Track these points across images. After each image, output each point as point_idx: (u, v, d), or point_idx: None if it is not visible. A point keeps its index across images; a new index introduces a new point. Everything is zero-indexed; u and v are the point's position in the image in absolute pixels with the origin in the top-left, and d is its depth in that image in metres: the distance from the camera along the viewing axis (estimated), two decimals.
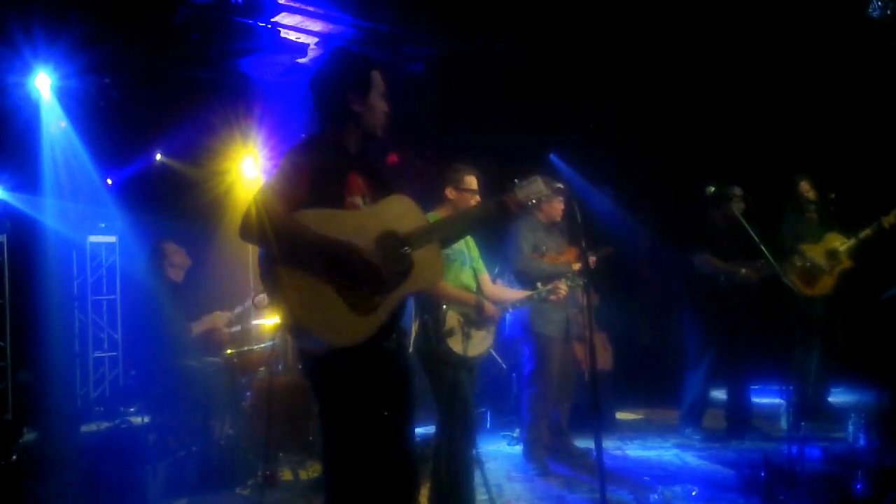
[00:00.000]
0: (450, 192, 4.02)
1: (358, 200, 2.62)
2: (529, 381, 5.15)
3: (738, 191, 5.34)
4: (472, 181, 4.04)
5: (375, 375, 2.57)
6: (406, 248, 2.60)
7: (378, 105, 2.72)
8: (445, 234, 2.91)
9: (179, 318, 5.39)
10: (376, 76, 2.73)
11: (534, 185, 2.96)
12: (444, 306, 3.89)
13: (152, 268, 5.56)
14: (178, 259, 5.56)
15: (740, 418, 5.67)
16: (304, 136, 2.76)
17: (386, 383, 2.61)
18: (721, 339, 5.57)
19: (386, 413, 2.58)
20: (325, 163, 2.58)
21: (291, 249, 2.41)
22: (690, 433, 5.70)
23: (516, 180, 2.98)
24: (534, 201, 2.97)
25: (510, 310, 4.43)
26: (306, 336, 2.49)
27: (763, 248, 4.59)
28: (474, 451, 4.04)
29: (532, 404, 5.13)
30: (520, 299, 4.48)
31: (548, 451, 5.16)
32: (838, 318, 5.86)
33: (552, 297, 4.51)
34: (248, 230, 2.41)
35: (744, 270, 5.42)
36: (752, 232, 4.60)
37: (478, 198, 4.01)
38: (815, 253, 5.72)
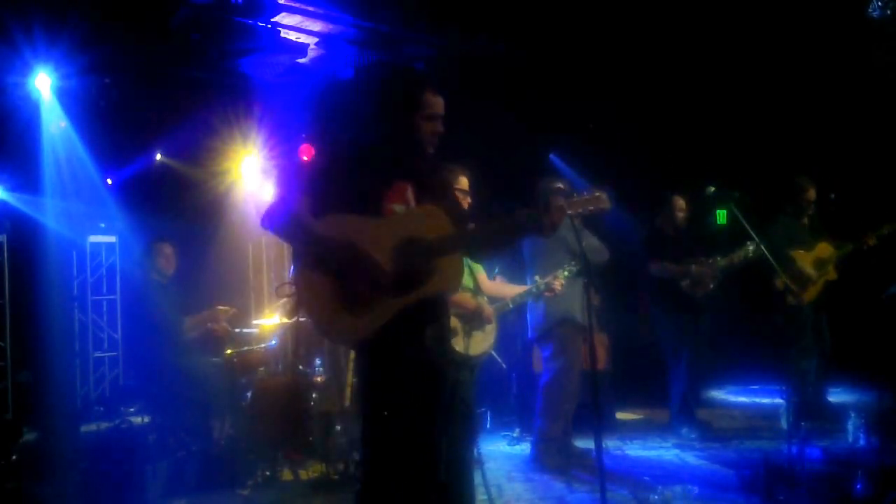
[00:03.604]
0: None
1: (398, 208, 2.70)
2: (557, 380, 5.09)
3: (683, 202, 5.81)
4: (463, 182, 3.98)
5: (393, 378, 2.63)
6: (425, 254, 2.63)
7: (423, 126, 2.75)
8: (469, 244, 2.90)
9: (172, 315, 5.39)
10: (428, 98, 2.75)
11: (598, 200, 2.73)
12: None
13: (141, 265, 5.63)
14: (162, 262, 5.56)
15: (687, 410, 5.76)
16: (354, 138, 2.88)
17: (408, 387, 2.64)
18: (691, 339, 5.72)
19: (410, 416, 2.62)
20: (367, 168, 2.71)
21: (303, 247, 2.65)
22: (687, 433, 5.71)
23: (576, 193, 2.81)
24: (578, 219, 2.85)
25: (511, 305, 4.43)
26: (317, 330, 2.64)
27: (755, 236, 4.96)
28: (475, 452, 4.04)
29: (556, 403, 5.09)
30: (520, 294, 4.48)
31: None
32: (823, 318, 5.88)
33: (547, 293, 4.52)
34: (269, 220, 2.66)
35: (694, 267, 5.62)
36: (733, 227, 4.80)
37: (469, 199, 3.98)
38: (805, 260, 5.74)
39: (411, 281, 2.60)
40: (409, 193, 2.75)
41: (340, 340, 2.64)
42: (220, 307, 5.69)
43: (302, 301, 2.63)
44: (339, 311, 2.58)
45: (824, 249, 5.79)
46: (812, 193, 5.90)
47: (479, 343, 3.99)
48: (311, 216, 2.62)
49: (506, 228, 2.81)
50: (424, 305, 2.67)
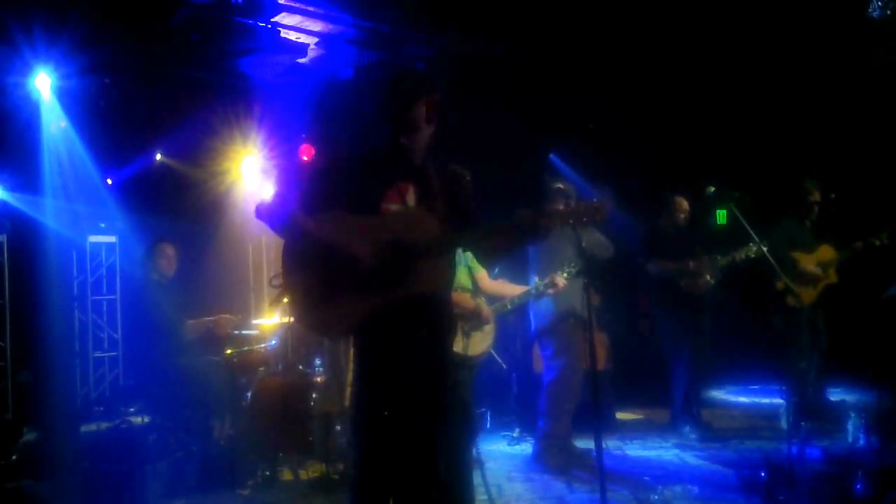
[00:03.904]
0: None
1: (394, 208, 2.72)
2: (562, 378, 5.07)
3: (684, 202, 5.84)
4: None
5: (392, 378, 2.66)
6: (404, 256, 2.65)
7: (415, 130, 2.76)
8: (454, 248, 2.92)
9: (172, 315, 5.39)
10: (415, 101, 2.73)
11: (596, 212, 2.67)
12: None
13: (142, 265, 5.64)
14: (164, 263, 5.56)
15: (686, 412, 5.78)
16: (355, 138, 2.93)
17: (406, 388, 2.66)
18: (692, 338, 5.74)
19: (410, 416, 2.65)
20: (367, 168, 2.75)
21: (298, 243, 2.69)
22: (688, 431, 5.72)
23: (575, 199, 2.85)
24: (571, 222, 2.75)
25: (509, 306, 4.43)
26: (297, 319, 2.72)
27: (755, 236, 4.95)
28: (475, 452, 4.04)
29: (561, 402, 5.08)
30: (519, 294, 4.48)
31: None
32: (821, 317, 5.89)
33: (550, 291, 4.52)
34: (267, 216, 2.73)
35: (692, 262, 5.67)
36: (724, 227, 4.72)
37: None
38: (807, 262, 5.74)
39: (389, 281, 2.63)
40: (410, 194, 2.76)
41: (318, 330, 2.87)
42: (228, 316, 5.67)
43: (288, 292, 2.73)
44: (320, 304, 2.67)
45: (825, 252, 5.80)
46: (816, 197, 5.89)
47: (478, 343, 3.99)
48: (308, 214, 2.67)
49: (499, 232, 2.79)
50: (417, 307, 2.67)
